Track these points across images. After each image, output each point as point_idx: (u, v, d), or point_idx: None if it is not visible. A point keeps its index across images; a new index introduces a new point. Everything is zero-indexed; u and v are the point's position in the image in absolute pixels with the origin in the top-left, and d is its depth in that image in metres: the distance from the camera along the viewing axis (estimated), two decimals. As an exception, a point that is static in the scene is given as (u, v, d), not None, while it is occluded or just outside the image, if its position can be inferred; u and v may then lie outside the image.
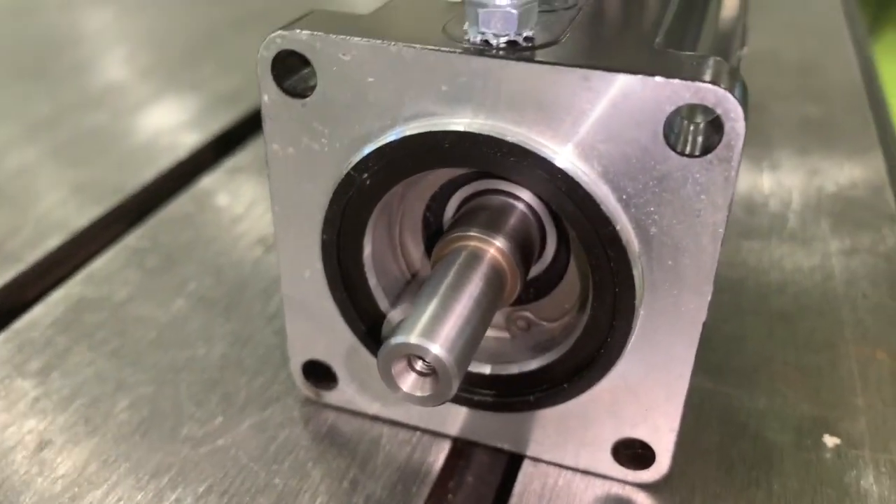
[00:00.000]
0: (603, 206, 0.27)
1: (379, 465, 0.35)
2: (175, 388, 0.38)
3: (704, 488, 0.34)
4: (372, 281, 0.33)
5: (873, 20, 2.83)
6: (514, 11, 0.27)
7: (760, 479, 0.34)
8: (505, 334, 0.35)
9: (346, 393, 0.36)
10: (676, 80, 0.25)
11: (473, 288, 0.28)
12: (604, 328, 0.30)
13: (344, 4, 0.93)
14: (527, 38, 0.27)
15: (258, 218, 0.52)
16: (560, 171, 0.27)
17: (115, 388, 0.38)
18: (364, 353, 0.34)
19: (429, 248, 0.35)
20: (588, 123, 0.26)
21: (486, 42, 0.27)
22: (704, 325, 0.29)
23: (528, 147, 0.27)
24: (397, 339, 0.26)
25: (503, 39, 0.27)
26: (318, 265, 0.33)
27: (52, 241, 0.49)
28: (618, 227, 0.27)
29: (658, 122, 0.26)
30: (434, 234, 0.34)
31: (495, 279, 0.29)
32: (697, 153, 0.26)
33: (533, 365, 0.33)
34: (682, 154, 0.26)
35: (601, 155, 0.27)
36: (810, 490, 0.34)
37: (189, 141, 0.62)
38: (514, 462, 0.35)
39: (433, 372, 0.26)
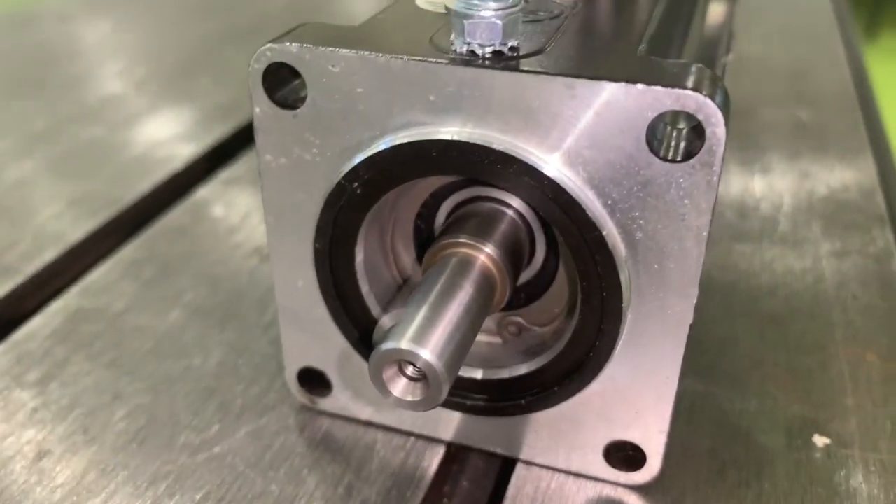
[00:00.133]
0: (589, 212, 0.27)
1: (374, 470, 0.35)
2: (172, 398, 0.39)
3: (695, 489, 0.34)
4: (364, 288, 0.33)
5: (869, 22, 2.84)
6: (499, 22, 0.27)
7: (751, 480, 0.34)
8: (496, 339, 0.36)
9: (340, 399, 0.37)
10: (658, 87, 0.25)
11: (463, 294, 0.29)
12: (592, 332, 0.30)
13: (337, 16, 0.94)
14: (512, 48, 0.28)
15: (253, 228, 0.52)
16: (546, 177, 0.27)
17: (112, 398, 0.39)
18: (357, 359, 0.35)
19: (420, 255, 0.35)
20: (573, 130, 0.27)
21: (473, 52, 0.28)
22: (691, 327, 0.29)
23: (514, 154, 0.27)
24: (388, 345, 0.26)
25: (489, 49, 0.28)
26: (311, 274, 0.33)
27: (50, 254, 0.50)
28: (604, 233, 0.28)
29: (641, 129, 0.26)
30: (425, 240, 0.35)
31: (485, 285, 0.30)
32: (680, 158, 0.26)
33: (524, 369, 0.33)
34: (665, 160, 0.26)
35: (586, 161, 0.27)
36: (800, 490, 0.34)
37: (184, 153, 0.62)
38: (507, 466, 0.36)
39: (424, 377, 0.27)
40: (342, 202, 0.31)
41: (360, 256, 0.33)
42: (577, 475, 0.34)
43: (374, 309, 0.34)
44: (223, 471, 0.35)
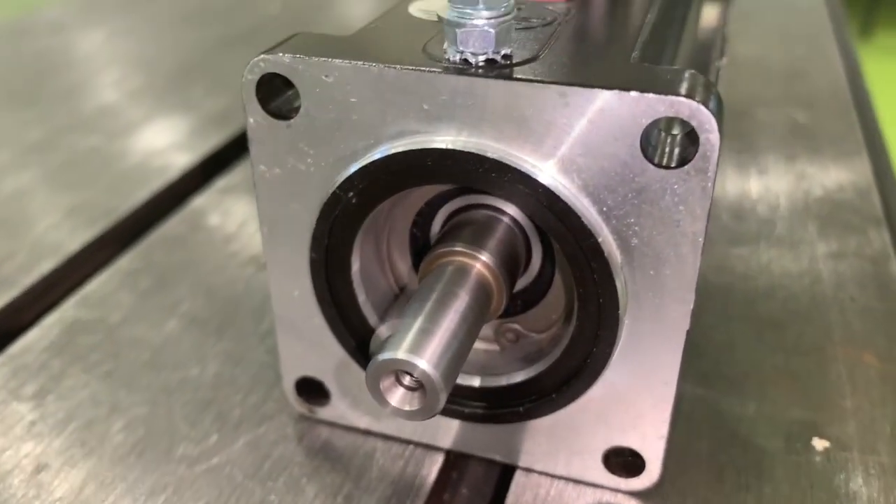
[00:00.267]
0: (584, 219, 0.27)
1: (373, 479, 0.35)
2: (169, 409, 0.39)
3: (696, 495, 0.34)
4: (361, 297, 0.33)
5: (864, 21, 2.84)
6: (492, 30, 0.27)
7: (751, 484, 0.34)
8: (494, 346, 0.36)
9: (338, 408, 0.37)
10: (651, 94, 0.25)
11: (460, 303, 0.29)
12: (589, 338, 0.30)
13: (333, 22, 0.94)
14: (505, 56, 0.28)
15: (250, 237, 0.52)
16: (541, 185, 0.27)
17: (110, 410, 0.39)
18: (355, 368, 0.35)
19: (416, 263, 0.35)
20: (567, 138, 0.27)
21: (466, 61, 0.28)
22: (688, 332, 0.29)
23: (508, 163, 0.27)
24: (385, 355, 0.26)
25: (482, 58, 0.28)
26: (308, 283, 0.33)
27: (47, 265, 0.50)
28: (599, 240, 0.28)
29: (635, 136, 0.26)
30: (421, 249, 0.35)
31: (481, 293, 0.30)
32: (674, 165, 0.26)
33: (522, 376, 0.33)
34: (659, 166, 0.26)
35: (581, 168, 0.27)
36: (800, 494, 0.34)
37: (180, 162, 0.62)
38: (506, 473, 0.36)
39: (421, 387, 0.26)
40: (337, 212, 0.31)
41: (356, 265, 0.33)
42: (577, 482, 0.34)
43: (371, 318, 0.34)
44: (221, 482, 0.35)
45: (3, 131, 0.68)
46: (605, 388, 0.31)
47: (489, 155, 0.28)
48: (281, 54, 0.29)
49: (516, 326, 0.35)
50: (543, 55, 0.29)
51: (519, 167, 0.27)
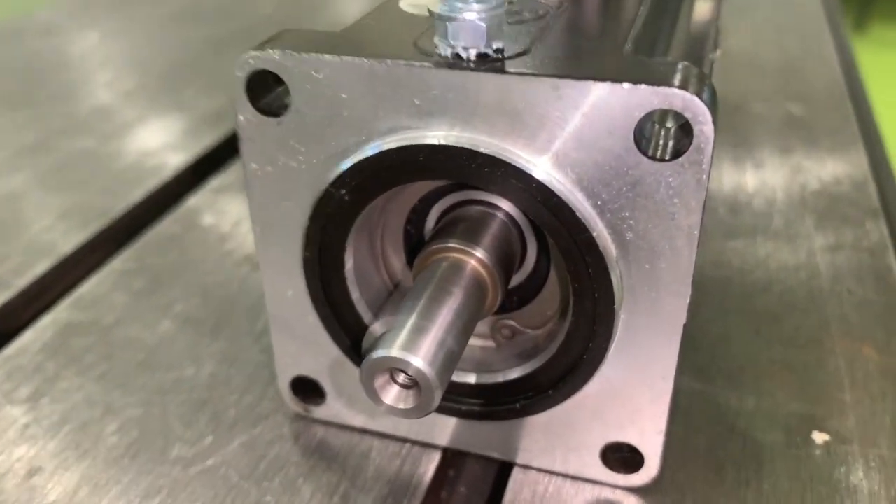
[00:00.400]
0: (578, 213, 0.27)
1: (369, 478, 0.35)
2: (164, 410, 0.38)
3: (695, 490, 0.34)
4: (355, 295, 0.33)
5: (859, 14, 2.84)
6: (483, 24, 0.27)
7: (751, 479, 0.34)
8: (490, 343, 0.35)
9: (334, 407, 0.36)
10: (644, 86, 0.25)
11: (454, 300, 0.28)
12: (585, 333, 0.30)
13: (327, 20, 0.94)
14: (497, 50, 0.28)
15: (244, 236, 0.52)
16: (534, 179, 0.27)
17: (104, 412, 0.38)
18: (350, 367, 0.34)
19: (410, 260, 0.35)
20: (560, 131, 0.27)
21: (457, 55, 0.27)
22: (685, 326, 0.29)
23: (501, 157, 0.27)
24: (379, 353, 0.26)
25: (473, 52, 0.27)
26: (301, 282, 0.33)
27: (40, 267, 0.49)
28: (594, 234, 0.27)
29: (629, 128, 0.26)
30: (415, 245, 0.35)
31: (476, 290, 0.30)
32: (668, 157, 0.26)
33: (518, 372, 0.33)
34: (653, 158, 0.26)
35: (574, 162, 0.27)
36: (800, 488, 0.34)
37: (174, 162, 0.62)
38: (504, 470, 0.35)
39: (415, 384, 0.26)
40: (330, 209, 0.30)
41: (349, 263, 0.32)
42: (575, 478, 0.34)
43: (366, 315, 0.33)
44: (217, 483, 0.35)
45: (-4, 133, 0.68)
46: (601, 383, 0.31)
47: (482, 150, 0.27)
48: (270, 50, 0.29)
49: (512, 323, 0.35)
50: (535, 48, 0.29)
51: (512, 162, 0.27)
